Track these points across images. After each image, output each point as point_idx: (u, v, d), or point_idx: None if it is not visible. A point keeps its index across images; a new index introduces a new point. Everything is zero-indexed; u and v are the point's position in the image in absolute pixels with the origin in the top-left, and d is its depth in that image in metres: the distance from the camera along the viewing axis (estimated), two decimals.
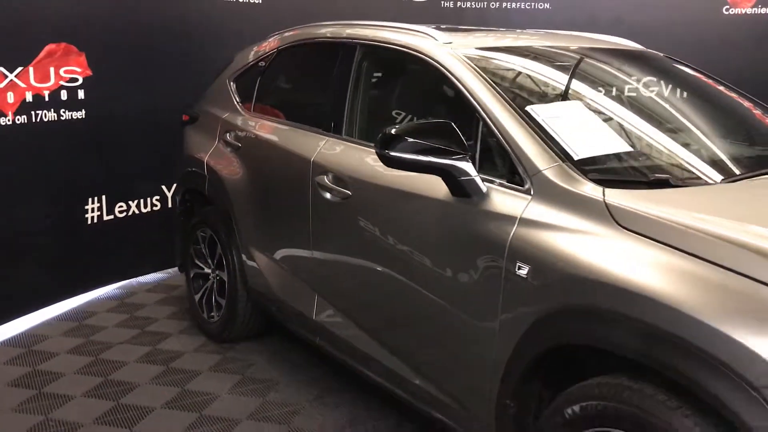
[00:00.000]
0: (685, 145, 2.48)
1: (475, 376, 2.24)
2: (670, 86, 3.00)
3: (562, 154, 2.16)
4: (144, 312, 4.38)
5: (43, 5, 4.08)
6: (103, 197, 4.65)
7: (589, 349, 1.92)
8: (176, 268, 4.41)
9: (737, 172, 2.37)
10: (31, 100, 4.07)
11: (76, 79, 4.34)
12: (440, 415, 2.47)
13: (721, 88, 3.10)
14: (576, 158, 2.16)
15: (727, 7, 5.99)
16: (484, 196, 2.22)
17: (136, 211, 4.86)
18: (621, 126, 2.51)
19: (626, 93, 2.79)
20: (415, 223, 2.47)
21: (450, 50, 2.60)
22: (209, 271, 3.95)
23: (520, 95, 2.50)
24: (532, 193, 2.12)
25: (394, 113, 2.91)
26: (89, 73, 4.40)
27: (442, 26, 3.06)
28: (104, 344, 3.88)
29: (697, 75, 3.20)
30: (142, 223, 4.85)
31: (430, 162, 2.20)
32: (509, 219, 2.12)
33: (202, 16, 5.07)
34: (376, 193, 2.63)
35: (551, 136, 2.22)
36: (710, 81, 3.18)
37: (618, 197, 1.95)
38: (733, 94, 3.11)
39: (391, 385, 2.70)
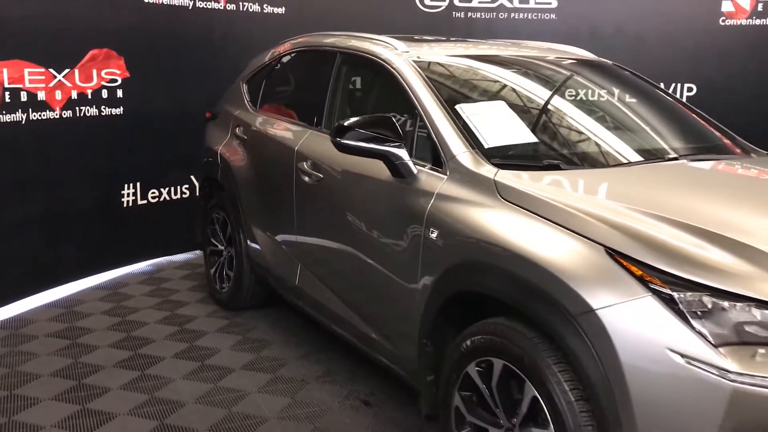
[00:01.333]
0: (587, 138, 2.95)
1: (404, 323, 2.75)
2: (604, 90, 3.43)
3: (475, 144, 2.66)
4: (169, 285, 5.00)
5: (88, 16, 4.73)
6: (138, 184, 5.30)
7: (483, 296, 2.41)
8: (202, 250, 5.02)
9: (629, 160, 2.82)
10: (76, 98, 4.73)
11: (116, 80, 4.99)
12: (382, 358, 3.00)
13: (667, 95, 3.51)
14: (485, 147, 2.66)
15: (724, 18, 6.31)
16: (415, 177, 2.74)
17: (167, 198, 5.50)
18: (535, 121, 2.99)
19: (552, 94, 3.24)
20: (366, 200, 3.00)
21: (405, 58, 3.13)
22: (222, 248, 4.54)
23: (453, 95, 3.01)
24: (447, 173, 2.63)
25: (364, 110, 3.44)
26: (127, 75, 5.05)
27: (415, 37, 3.59)
28: (131, 309, 4.50)
29: (639, 81, 3.61)
30: (173, 209, 5.48)
31: (371, 148, 2.74)
32: (429, 194, 2.63)
33: (230, 25, 5.69)
34: (340, 175, 3.18)
35: (470, 129, 2.73)
36: (653, 88, 3.60)
37: (504, 176, 2.45)
38: (670, 99, 3.52)
39: (350, 336, 3.24)
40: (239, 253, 4.24)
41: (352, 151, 2.77)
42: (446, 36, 4.38)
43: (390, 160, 2.75)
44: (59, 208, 4.71)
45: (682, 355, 1.80)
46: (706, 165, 2.86)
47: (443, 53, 3.34)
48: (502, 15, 6.77)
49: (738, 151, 3.23)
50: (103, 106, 4.93)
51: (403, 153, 2.74)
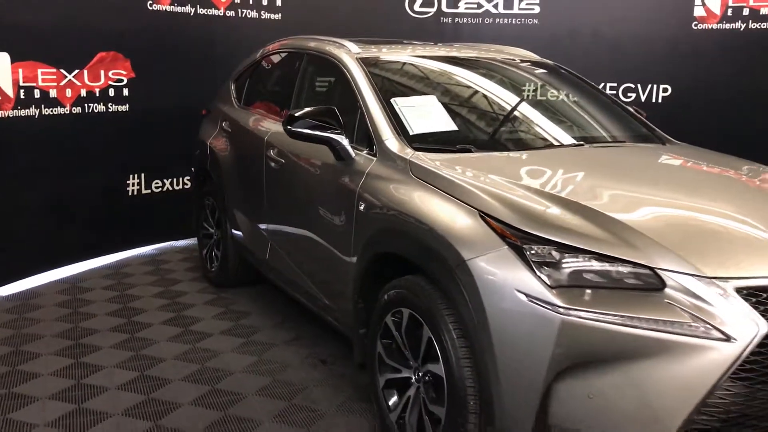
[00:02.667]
0: (503, 127, 3.38)
1: (343, 285, 3.20)
2: (534, 86, 3.83)
3: (401, 131, 3.11)
4: (167, 266, 5.51)
5: (97, 21, 5.26)
6: (142, 174, 5.82)
7: (399, 258, 2.85)
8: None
9: (533, 146, 3.25)
10: (84, 95, 5.27)
11: (122, 80, 5.52)
12: (330, 318, 3.46)
13: (600, 93, 3.92)
14: (410, 134, 3.11)
15: (696, 22, 6.65)
16: (353, 160, 3.19)
17: (170, 188, 6.01)
18: (458, 112, 3.42)
19: (483, 90, 3.67)
20: (315, 182, 3.47)
21: (354, 57, 3.58)
22: (212, 231, 5.03)
23: (391, 90, 3.45)
24: (376, 156, 3.08)
25: (323, 103, 3.89)
26: (133, 75, 5.58)
27: (374, 40, 4.04)
28: (129, 285, 5.01)
29: (575, 80, 4.01)
30: (175, 198, 5.99)
31: (316, 134, 3.20)
32: (361, 174, 3.09)
33: (229, 30, 6.19)
34: (296, 161, 3.65)
35: (399, 119, 3.18)
36: (588, 86, 4.00)
37: (418, 158, 2.89)
38: (601, 96, 3.92)
39: (307, 302, 3.71)
40: (224, 235, 4.73)
41: (300, 137, 3.23)
42: (435, 41, 4.81)
43: (332, 145, 3.21)
44: (69, 195, 5.23)
45: (526, 295, 2.22)
46: (603, 150, 3.28)
47: (391, 54, 3.79)
48: (487, 20, 7.19)
49: (655, 141, 3.62)
50: (110, 104, 5.46)
51: (342, 139, 3.19)
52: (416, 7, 7.19)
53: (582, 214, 2.39)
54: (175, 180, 6.04)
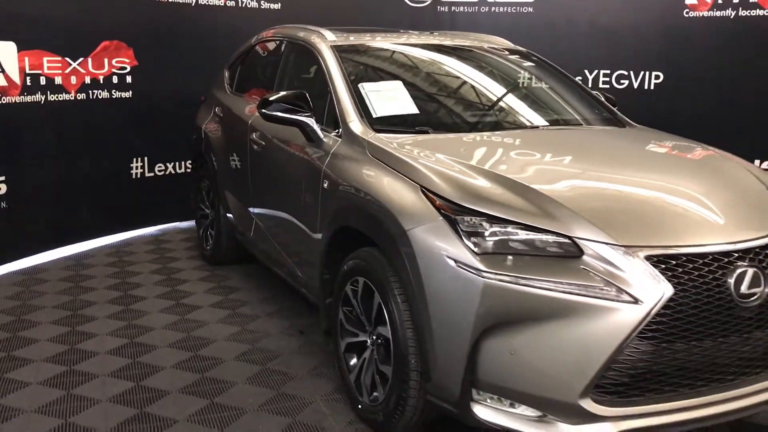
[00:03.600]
0: (463, 110, 3.59)
1: (312, 258, 3.44)
2: (502, 72, 4.02)
3: (366, 113, 3.33)
4: (168, 245, 5.79)
5: (101, 12, 5.53)
6: (146, 158, 6.10)
7: (358, 232, 3.07)
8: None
9: (488, 128, 3.45)
10: (89, 82, 5.55)
11: (125, 68, 5.79)
12: (304, 290, 3.70)
13: (570, 80, 4.10)
14: (373, 116, 3.33)
15: (687, 10, 6.76)
16: (321, 141, 3.42)
17: (173, 171, 6.29)
18: (422, 97, 3.63)
19: (448, 75, 3.87)
20: (289, 162, 3.70)
21: (329, 45, 3.80)
22: (208, 212, 5.29)
23: (361, 75, 3.67)
24: (341, 137, 3.30)
25: (302, 88, 4.11)
26: (136, 63, 5.85)
27: (354, 28, 4.26)
28: (131, 262, 5.30)
29: (547, 67, 4.19)
30: (177, 181, 6.26)
31: (287, 117, 3.43)
32: (327, 154, 3.31)
33: (230, 20, 6.42)
34: (274, 143, 3.88)
35: (365, 102, 3.39)
36: (559, 74, 4.17)
37: (376, 139, 3.11)
38: (570, 82, 4.10)
39: (286, 276, 3.95)
40: (217, 214, 4.99)
41: (273, 119, 3.47)
42: (428, 30, 4.95)
43: (302, 127, 3.44)
44: (74, 177, 5.52)
45: (455, 261, 2.44)
46: (554, 132, 3.48)
47: (365, 42, 4.00)
48: (483, 9, 7.36)
49: (615, 124, 3.80)
50: (114, 90, 5.74)
51: (311, 121, 3.42)
52: None
53: (512, 189, 2.60)
54: (177, 164, 6.30)
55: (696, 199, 2.75)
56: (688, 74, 6.85)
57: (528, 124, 3.56)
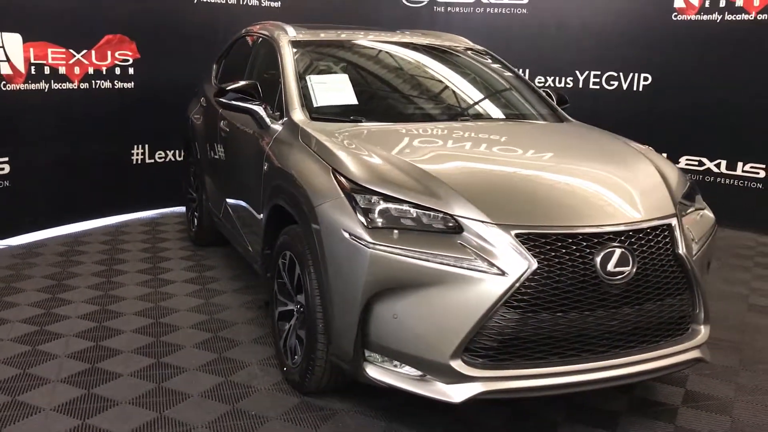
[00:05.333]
0: (398, 102, 3.86)
1: (258, 236, 3.75)
2: (449, 70, 4.28)
3: (308, 103, 3.63)
4: (162, 227, 6.17)
5: (104, 7, 5.93)
6: (146, 145, 6.50)
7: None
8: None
9: (417, 119, 3.72)
10: (92, 73, 5.96)
11: (128, 60, 6.19)
12: (255, 265, 4.01)
13: (520, 79, 4.34)
14: (314, 106, 3.62)
15: (676, 13, 6.90)
16: (269, 127, 3.73)
17: (172, 159, 6.67)
18: (364, 89, 3.91)
19: (394, 70, 4.14)
20: (244, 147, 4.02)
21: (288, 41, 4.11)
22: (194, 195, 5.65)
23: (310, 68, 3.97)
24: (284, 123, 3.61)
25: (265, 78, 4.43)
26: (138, 56, 6.24)
27: (322, 25, 4.56)
28: (123, 241, 5.68)
29: (498, 66, 4.43)
30: (176, 168, 6.63)
31: (238, 105, 3.76)
32: (270, 139, 3.62)
33: (230, 17, 6.77)
34: (235, 130, 4.21)
35: (309, 93, 3.69)
36: (511, 73, 4.40)
37: (308, 125, 3.40)
38: (518, 81, 4.33)
39: (243, 252, 4.27)
40: (199, 198, 5.34)
41: (226, 107, 3.80)
42: (429, 29, 5.16)
43: (252, 114, 3.76)
44: (76, 161, 5.93)
45: (350, 234, 2.72)
46: (478, 124, 3.75)
47: (323, 38, 4.30)
48: (478, 10, 7.60)
49: (553, 119, 4.03)
50: (116, 81, 6.14)
51: (260, 109, 3.74)
52: None
53: (409, 172, 2.87)
54: (177, 151, 6.68)
55: (581, 185, 2.99)
56: (675, 76, 6.99)
57: (457, 116, 3.81)
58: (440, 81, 4.20)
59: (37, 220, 5.75)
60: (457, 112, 3.93)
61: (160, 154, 6.62)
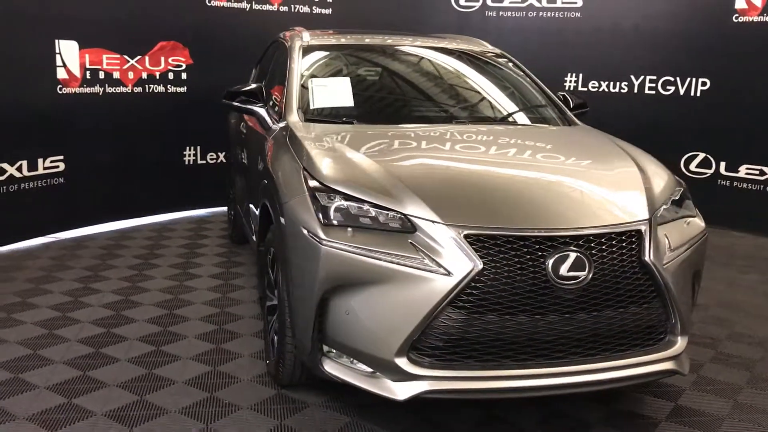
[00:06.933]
0: (392, 106, 3.90)
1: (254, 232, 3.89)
2: (461, 73, 4.28)
3: (305, 105, 3.74)
4: (208, 226, 6.44)
5: (159, 15, 6.26)
6: (198, 147, 6.81)
7: None
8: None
9: (413, 121, 3.75)
10: (145, 78, 6.30)
11: (181, 66, 6.52)
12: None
13: (535, 85, 4.29)
14: (311, 107, 3.73)
15: (737, 15, 6.59)
16: (270, 128, 3.86)
17: (224, 160, 6.94)
18: (362, 92, 3.97)
19: (398, 73, 4.18)
20: (253, 147, 4.16)
21: (300, 46, 4.23)
22: (232, 196, 5.88)
23: (315, 71, 4.07)
24: (284, 122, 3.72)
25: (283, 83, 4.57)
26: (191, 62, 6.56)
27: (327, 30, 4.67)
28: (167, 237, 5.97)
29: (511, 69, 4.39)
30: (224, 169, 6.90)
31: (241, 106, 3.92)
32: (269, 139, 3.75)
33: (282, 24, 6.93)
34: (250, 130, 4.37)
35: (310, 95, 3.80)
36: (524, 76, 4.36)
37: (295, 126, 3.51)
38: (533, 86, 4.28)
39: (255, 251, 4.42)
40: (235, 197, 5.55)
41: (232, 108, 3.96)
42: (480, 33, 5.13)
43: (255, 116, 3.90)
44: (128, 161, 6.28)
45: (308, 231, 2.80)
46: (470, 127, 3.74)
47: (335, 43, 4.40)
48: (531, 14, 7.51)
49: (561, 123, 3.97)
50: (169, 85, 6.47)
51: (262, 111, 3.88)
52: (462, 1, 7.64)
53: (372, 172, 2.92)
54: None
55: (545, 188, 2.96)
56: (735, 81, 6.67)
57: (451, 119, 3.82)
58: (441, 84, 4.21)
59: (89, 215, 6.12)
60: (451, 114, 3.93)
61: (211, 155, 6.91)
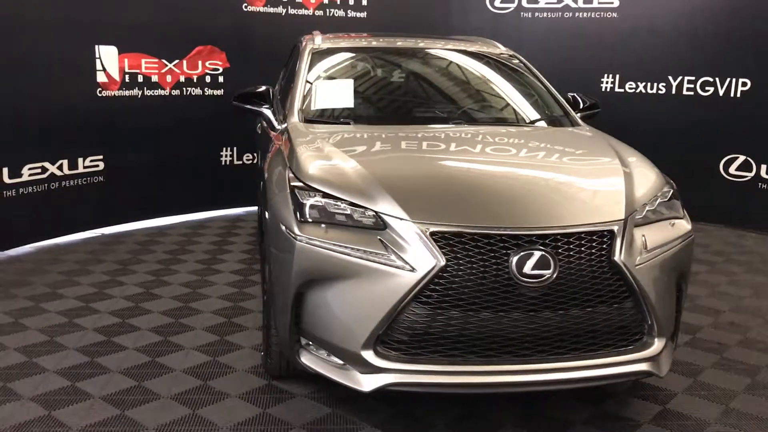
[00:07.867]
0: (393, 105, 3.97)
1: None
2: (465, 75, 4.32)
3: (307, 107, 3.87)
4: (241, 224, 6.65)
5: (196, 21, 6.50)
6: (234, 148, 7.03)
7: None
8: None
9: (407, 122, 3.83)
10: (183, 81, 6.56)
11: (218, 69, 6.75)
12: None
13: (542, 86, 4.31)
14: (312, 108, 3.85)
15: None
16: (276, 128, 4.00)
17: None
18: (363, 93, 4.06)
19: (403, 75, 4.25)
20: (263, 149, 4.31)
21: (310, 49, 4.36)
22: None
23: (321, 73, 4.19)
24: (286, 124, 3.86)
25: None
26: (228, 65, 6.79)
27: (345, 35, 4.79)
28: (200, 234, 6.21)
29: (520, 71, 4.41)
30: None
31: (247, 108, 4.07)
32: (272, 140, 3.89)
33: (317, 28, 7.07)
34: (264, 128, 4.53)
35: (312, 96, 3.93)
36: (531, 77, 4.37)
37: (294, 127, 3.63)
38: (539, 86, 4.29)
39: None
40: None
41: (240, 109, 4.11)
42: (513, 34, 5.06)
43: (262, 117, 4.05)
44: (166, 161, 6.53)
45: (285, 227, 2.91)
46: (464, 128, 3.77)
47: (344, 47, 4.51)
48: (567, 14, 7.45)
49: (563, 125, 3.98)
50: (206, 88, 6.71)
51: (268, 112, 4.03)
52: (497, 3, 7.64)
53: (350, 170, 3.01)
54: None
55: (516, 187, 3.01)
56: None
57: (448, 120, 3.87)
58: (444, 85, 4.27)
59: (127, 213, 6.40)
60: (449, 116, 3.98)
61: (247, 156, 7.12)
